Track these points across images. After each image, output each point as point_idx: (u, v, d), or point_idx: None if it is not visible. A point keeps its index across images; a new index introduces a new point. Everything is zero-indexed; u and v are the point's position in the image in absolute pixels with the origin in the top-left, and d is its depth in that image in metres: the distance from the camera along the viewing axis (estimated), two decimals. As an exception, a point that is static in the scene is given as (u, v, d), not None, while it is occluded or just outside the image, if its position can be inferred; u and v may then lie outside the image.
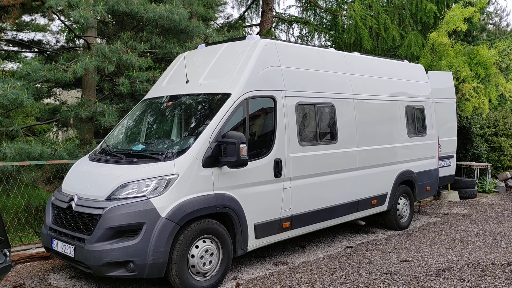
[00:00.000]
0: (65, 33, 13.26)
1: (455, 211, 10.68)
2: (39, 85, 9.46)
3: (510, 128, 14.99)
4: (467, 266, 6.41)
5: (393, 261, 6.63)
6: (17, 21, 12.05)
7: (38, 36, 13.35)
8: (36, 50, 12.67)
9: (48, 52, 12.23)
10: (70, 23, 11.13)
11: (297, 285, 5.63)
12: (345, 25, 14.83)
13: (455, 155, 10.81)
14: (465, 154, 13.70)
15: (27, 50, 13.05)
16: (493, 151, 14.64)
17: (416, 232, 8.48)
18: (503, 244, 7.63)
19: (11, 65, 14.31)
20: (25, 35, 13.35)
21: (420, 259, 6.77)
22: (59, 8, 8.76)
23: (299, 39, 17.68)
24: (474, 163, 13.21)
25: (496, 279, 5.85)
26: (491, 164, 13.98)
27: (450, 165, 10.53)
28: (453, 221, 9.50)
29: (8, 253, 4.84)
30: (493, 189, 13.72)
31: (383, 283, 5.70)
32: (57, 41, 13.52)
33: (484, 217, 9.93)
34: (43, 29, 13.59)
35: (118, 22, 11.23)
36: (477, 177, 13.17)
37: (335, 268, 6.29)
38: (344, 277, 5.94)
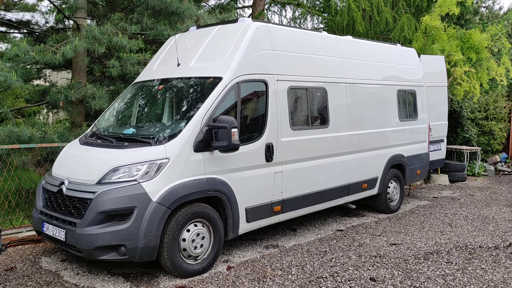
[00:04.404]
0: (54, 14, 13.00)
1: (445, 194, 10.79)
2: (28, 67, 9.33)
3: (501, 112, 15.09)
4: (455, 249, 6.51)
5: (382, 244, 6.71)
6: (5, 0, 11.80)
7: (27, 16, 13.10)
8: (25, 30, 12.45)
9: (37, 33, 12.03)
10: (59, 3, 10.92)
11: (288, 268, 5.70)
12: (338, 8, 14.70)
13: (445, 139, 10.89)
14: (456, 138, 13.80)
15: (16, 31, 12.82)
16: (483, 135, 14.76)
17: (406, 216, 8.57)
18: (491, 227, 7.74)
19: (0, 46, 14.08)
20: (13, 15, 13.09)
21: (409, 242, 6.86)
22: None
23: (291, 22, 17.52)
24: (464, 147, 13.32)
25: (483, 262, 5.95)
26: (481, 147, 14.10)
27: (440, 149, 10.60)
28: (442, 204, 9.62)
29: (-1, 237, 4.84)
30: (483, 173, 13.86)
31: (372, 266, 5.78)
32: (46, 22, 13.26)
33: (473, 200, 10.06)
34: (31, 9, 13.30)
35: (108, 3, 11.03)
36: (467, 160, 13.28)
37: (325, 251, 6.36)
38: (334, 260, 6.01)
